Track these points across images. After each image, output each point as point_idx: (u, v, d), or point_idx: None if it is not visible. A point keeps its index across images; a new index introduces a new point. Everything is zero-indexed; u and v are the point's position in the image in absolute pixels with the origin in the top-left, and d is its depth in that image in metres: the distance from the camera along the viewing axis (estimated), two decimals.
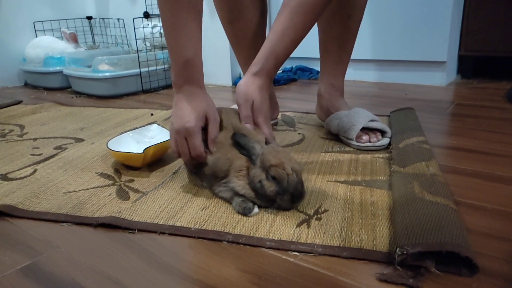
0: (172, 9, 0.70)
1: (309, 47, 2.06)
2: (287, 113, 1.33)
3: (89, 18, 2.42)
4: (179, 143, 0.73)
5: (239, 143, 0.69)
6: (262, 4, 1.07)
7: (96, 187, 0.80)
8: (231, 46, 1.17)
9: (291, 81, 1.97)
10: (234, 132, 0.71)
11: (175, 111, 0.74)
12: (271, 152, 0.66)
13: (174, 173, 0.86)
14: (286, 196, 0.64)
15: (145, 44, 1.95)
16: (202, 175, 0.76)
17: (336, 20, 1.02)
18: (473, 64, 1.84)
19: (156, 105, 1.57)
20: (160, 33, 1.93)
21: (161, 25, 2.01)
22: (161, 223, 0.65)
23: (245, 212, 0.67)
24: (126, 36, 2.23)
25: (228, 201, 0.71)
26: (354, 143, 0.96)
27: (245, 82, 0.81)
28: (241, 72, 1.94)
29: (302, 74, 2.04)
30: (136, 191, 0.78)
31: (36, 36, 2.16)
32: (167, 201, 0.73)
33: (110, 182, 0.83)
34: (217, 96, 1.72)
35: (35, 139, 1.15)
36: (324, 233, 0.60)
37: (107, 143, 0.91)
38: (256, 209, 0.67)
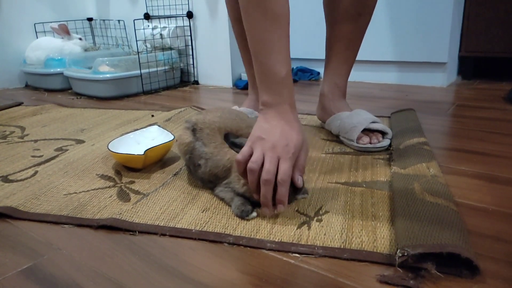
0: (261, 22, 0.65)
1: (310, 49, 2.07)
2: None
3: (90, 19, 2.42)
4: (269, 160, 0.62)
5: (235, 143, 0.69)
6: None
7: (97, 189, 0.80)
8: (237, 46, 1.17)
9: None
10: (225, 134, 0.71)
11: (270, 128, 0.65)
12: None
13: (175, 174, 0.86)
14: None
15: (146, 46, 1.95)
16: (205, 181, 0.77)
17: (346, 18, 1.02)
18: (473, 65, 1.84)
19: (156, 106, 1.57)
20: (161, 34, 1.94)
21: (161, 26, 2.01)
22: (162, 224, 0.65)
23: (243, 215, 0.66)
24: (126, 37, 2.24)
25: (228, 203, 0.71)
26: (355, 144, 0.96)
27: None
28: (242, 73, 1.95)
29: (302, 75, 2.04)
30: (137, 192, 0.78)
31: (37, 38, 2.16)
32: (168, 202, 0.73)
33: (111, 183, 0.83)
34: (218, 98, 1.72)
35: (35, 141, 1.15)
36: (325, 234, 0.60)
37: (108, 144, 0.91)
38: (254, 213, 0.67)
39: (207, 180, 0.75)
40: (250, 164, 0.63)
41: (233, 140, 0.70)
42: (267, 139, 0.64)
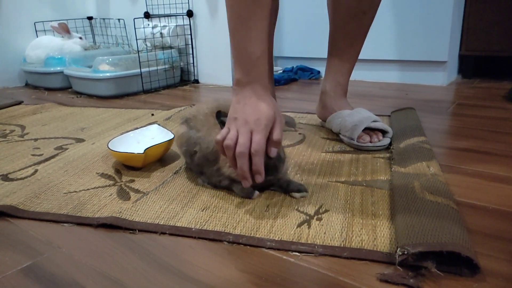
0: (240, 3, 0.69)
1: (310, 47, 2.06)
2: (288, 113, 1.33)
3: (90, 18, 2.42)
4: (242, 133, 0.66)
5: (224, 122, 0.71)
6: (273, 2, 1.07)
7: (97, 188, 0.80)
8: None
9: (292, 81, 1.97)
10: (217, 111, 0.72)
11: (241, 107, 0.69)
12: None
13: (174, 173, 0.86)
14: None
15: (146, 44, 1.95)
16: (202, 171, 0.78)
17: (351, 16, 1.02)
18: (474, 63, 1.83)
19: (156, 105, 1.57)
20: (161, 33, 1.94)
21: (161, 25, 2.01)
22: (161, 223, 0.65)
23: (249, 196, 0.71)
24: (126, 36, 2.24)
25: (229, 188, 0.74)
26: (355, 142, 0.96)
27: None
28: None
29: (302, 74, 2.04)
30: (137, 191, 0.78)
31: (37, 37, 2.16)
32: (168, 201, 0.73)
33: (111, 182, 0.83)
34: (218, 97, 1.72)
35: (36, 140, 1.15)
36: (325, 233, 0.60)
37: (108, 143, 0.91)
38: (257, 192, 0.72)
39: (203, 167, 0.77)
40: (225, 142, 0.66)
41: (223, 118, 0.70)
42: (239, 117, 0.67)
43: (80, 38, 2.15)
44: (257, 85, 0.70)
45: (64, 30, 2.08)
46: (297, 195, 0.72)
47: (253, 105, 0.68)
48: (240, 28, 0.69)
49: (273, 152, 0.67)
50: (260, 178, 0.66)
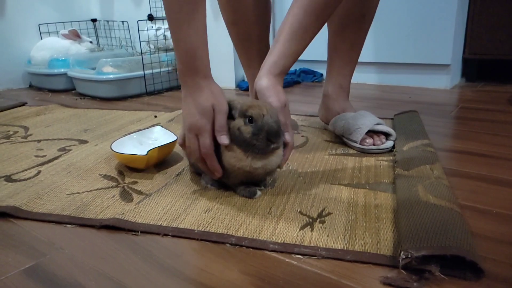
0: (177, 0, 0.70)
1: (313, 50, 2.06)
2: (290, 116, 1.32)
3: (94, 20, 2.43)
4: (190, 141, 0.72)
5: None
6: (266, 5, 1.07)
7: (100, 189, 0.80)
8: (234, 48, 1.17)
9: (295, 83, 1.97)
10: None
11: (184, 107, 0.73)
12: (248, 101, 0.71)
13: (177, 175, 0.86)
14: (261, 135, 0.66)
15: (149, 47, 1.96)
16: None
17: (350, 19, 1.03)
18: (477, 67, 1.83)
19: (160, 107, 1.57)
20: (164, 35, 1.94)
21: (165, 27, 2.01)
22: (164, 225, 0.65)
23: (251, 195, 0.73)
24: (130, 38, 2.24)
25: (232, 188, 0.75)
26: (358, 145, 0.96)
27: (272, 85, 0.78)
28: (245, 75, 1.95)
29: (305, 76, 2.04)
30: (140, 193, 0.78)
31: (41, 38, 2.17)
32: (171, 203, 0.73)
33: (114, 184, 0.83)
34: None
35: (39, 141, 1.15)
36: (328, 236, 0.60)
37: (111, 145, 0.91)
38: (259, 192, 0.74)
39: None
40: (186, 149, 0.76)
41: None
42: (186, 122, 0.73)
43: (91, 42, 2.16)
44: (196, 78, 0.72)
45: (74, 35, 2.10)
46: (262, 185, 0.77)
47: (191, 107, 0.71)
48: (175, 23, 0.71)
49: (223, 139, 0.69)
50: (218, 174, 0.73)
